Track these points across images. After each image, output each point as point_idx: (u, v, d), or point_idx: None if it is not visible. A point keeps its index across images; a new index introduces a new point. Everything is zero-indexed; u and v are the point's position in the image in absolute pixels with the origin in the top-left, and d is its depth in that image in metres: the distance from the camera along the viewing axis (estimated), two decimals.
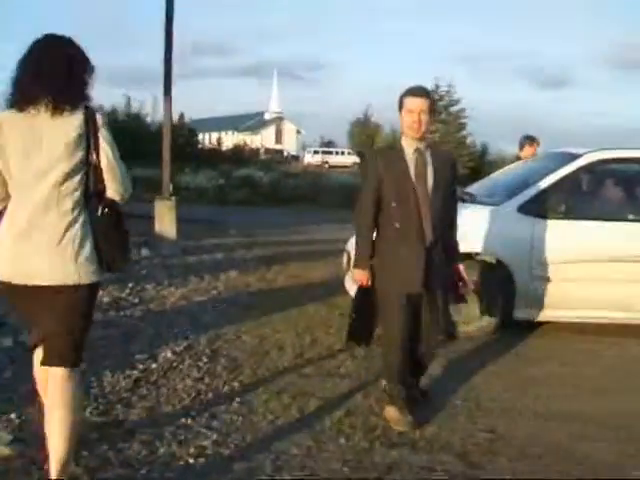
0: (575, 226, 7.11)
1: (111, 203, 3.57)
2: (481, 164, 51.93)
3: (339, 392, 5.41)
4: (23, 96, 3.38)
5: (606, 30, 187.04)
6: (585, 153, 7.42)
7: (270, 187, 28.60)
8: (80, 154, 3.41)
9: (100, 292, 4.22)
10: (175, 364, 5.84)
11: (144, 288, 8.62)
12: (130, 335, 6.58)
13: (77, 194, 3.43)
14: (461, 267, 5.15)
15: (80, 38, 3.57)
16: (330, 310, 8.02)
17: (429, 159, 4.79)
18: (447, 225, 4.95)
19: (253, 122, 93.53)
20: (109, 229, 3.54)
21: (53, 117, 3.37)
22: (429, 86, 5.12)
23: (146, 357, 5.94)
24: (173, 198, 12.85)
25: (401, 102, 4.80)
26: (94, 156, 3.46)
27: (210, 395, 5.21)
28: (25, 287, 3.39)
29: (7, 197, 3.45)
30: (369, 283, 4.82)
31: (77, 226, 3.41)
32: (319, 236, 14.93)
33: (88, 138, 3.44)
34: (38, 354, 3.64)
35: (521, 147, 9.92)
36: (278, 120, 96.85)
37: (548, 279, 7.03)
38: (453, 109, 56.29)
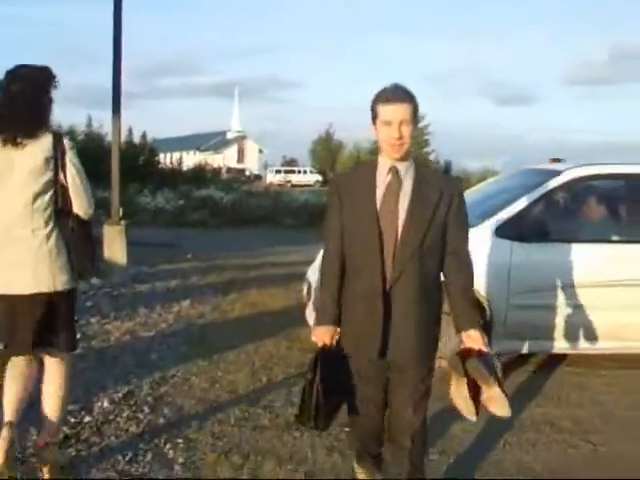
0: (557, 249, 6.47)
1: (79, 218, 3.98)
2: None
3: (298, 448, 4.72)
4: None
5: (564, 48, 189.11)
6: (566, 169, 6.80)
7: (231, 208, 27.84)
8: (48, 175, 3.84)
9: None
10: (112, 416, 5.13)
11: (88, 322, 7.89)
12: None
13: (48, 211, 3.87)
14: (474, 334, 3.49)
15: (46, 59, 3.75)
16: (290, 344, 7.33)
17: (408, 182, 3.49)
18: (449, 277, 3.58)
19: (215, 141, 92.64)
20: (78, 242, 3.97)
21: (19, 147, 3.79)
22: None
23: (79, 408, 5.22)
24: (123, 222, 12.08)
25: (374, 111, 3.50)
26: (62, 176, 3.88)
27: (149, 456, 4.50)
28: (5, 296, 3.82)
29: None
30: (333, 343, 3.56)
31: (51, 240, 3.85)
32: (281, 259, 14.24)
33: (56, 160, 3.85)
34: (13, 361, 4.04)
35: None
36: (240, 139, 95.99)
37: (528, 308, 6.38)
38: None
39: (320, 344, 3.54)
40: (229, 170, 62.81)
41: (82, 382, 5.73)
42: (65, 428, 4.75)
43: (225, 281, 11.41)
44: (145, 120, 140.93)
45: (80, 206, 3.97)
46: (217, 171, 48.75)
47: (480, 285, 6.27)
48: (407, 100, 3.45)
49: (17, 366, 4.03)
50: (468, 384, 3.46)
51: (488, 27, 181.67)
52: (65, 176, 3.89)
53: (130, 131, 41.64)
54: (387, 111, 3.43)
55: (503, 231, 6.47)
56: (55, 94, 3.98)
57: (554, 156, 7.88)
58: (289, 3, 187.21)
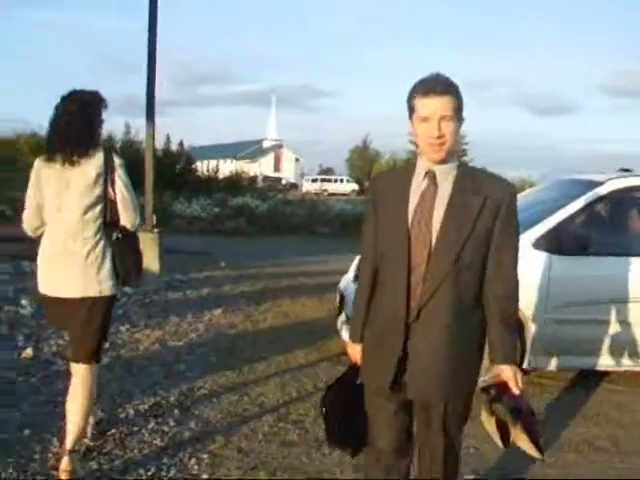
0: (598, 263, 6.25)
1: (125, 230, 4.29)
2: None
3: (327, 466, 4.56)
4: (49, 151, 4.20)
5: (600, 58, 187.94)
6: (607, 180, 6.57)
7: (266, 216, 27.74)
8: (99, 190, 4.17)
9: None
10: (136, 428, 5.01)
11: (118, 330, 7.79)
12: None
13: (98, 222, 4.18)
14: (507, 372, 3.03)
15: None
16: (321, 356, 7.18)
17: (447, 188, 2.97)
18: (488, 293, 3.04)
19: (252, 150, 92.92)
20: (123, 251, 4.28)
21: (75, 165, 4.13)
22: None
23: (104, 419, 5.09)
24: (156, 230, 12.03)
25: (411, 105, 2.98)
26: (111, 191, 4.20)
27: (172, 471, 4.37)
28: (58, 299, 4.16)
29: (42, 226, 4.26)
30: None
31: (98, 249, 4.15)
32: (316, 268, 14.06)
33: (106, 176, 4.18)
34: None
35: None
36: (277, 148, 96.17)
37: (567, 323, 6.16)
38: None
39: (353, 360, 3.34)
40: (265, 178, 62.87)
41: (108, 392, 5.65)
42: (88, 440, 4.64)
43: (258, 290, 11.30)
44: (184, 128, 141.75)
45: (127, 219, 4.29)
46: (253, 179, 48.69)
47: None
48: (449, 92, 2.92)
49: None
50: (497, 421, 3.11)
51: (524, 37, 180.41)
52: (114, 191, 4.21)
53: (168, 138, 41.65)
54: (425, 105, 2.91)
55: (542, 244, 6.25)
56: (105, 115, 4.33)
57: (587, 168, 7.65)
58: (325, 14, 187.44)
